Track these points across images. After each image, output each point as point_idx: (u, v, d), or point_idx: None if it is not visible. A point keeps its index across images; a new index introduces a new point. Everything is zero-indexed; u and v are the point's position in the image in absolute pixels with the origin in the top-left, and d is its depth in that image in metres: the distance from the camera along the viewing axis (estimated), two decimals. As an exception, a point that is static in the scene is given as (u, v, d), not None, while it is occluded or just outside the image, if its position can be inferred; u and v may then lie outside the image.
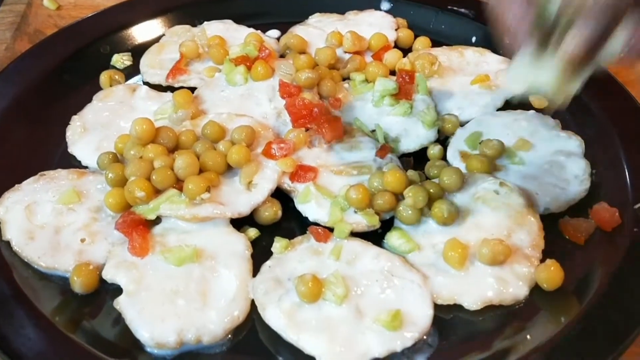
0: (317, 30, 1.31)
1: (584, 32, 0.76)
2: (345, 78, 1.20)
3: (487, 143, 1.04)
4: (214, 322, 0.83)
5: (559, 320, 0.86)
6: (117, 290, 0.87)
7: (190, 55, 1.22)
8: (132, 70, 1.25)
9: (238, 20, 1.34)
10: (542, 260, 0.91)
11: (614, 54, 0.79)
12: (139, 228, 0.91)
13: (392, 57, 1.23)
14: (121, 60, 1.27)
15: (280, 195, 1.00)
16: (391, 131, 1.09)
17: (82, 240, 0.93)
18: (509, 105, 1.15)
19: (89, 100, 1.16)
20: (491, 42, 1.30)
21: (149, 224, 0.94)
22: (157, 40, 1.31)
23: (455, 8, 1.37)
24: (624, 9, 0.76)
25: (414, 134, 1.09)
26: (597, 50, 0.78)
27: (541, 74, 0.83)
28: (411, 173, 1.00)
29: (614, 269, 0.91)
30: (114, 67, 1.26)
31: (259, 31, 1.29)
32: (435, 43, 1.32)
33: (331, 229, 0.95)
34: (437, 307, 0.87)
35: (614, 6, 0.75)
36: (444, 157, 1.08)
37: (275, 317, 0.84)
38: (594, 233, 0.97)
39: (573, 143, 1.08)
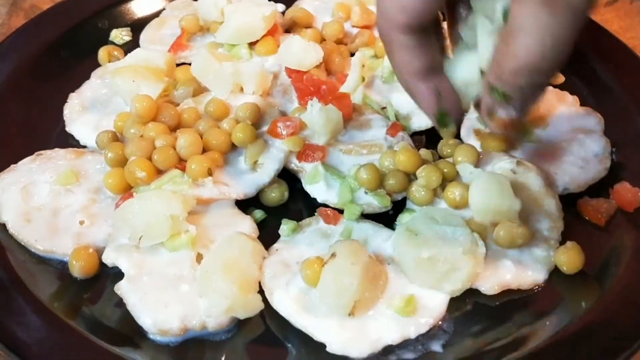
0: (324, 4, 1.26)
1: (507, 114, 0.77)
2: (353, 53, 1.15)
3: None
4: (220, 307, 0.80)
5: (579, 305, 0.83)
6: (118, 274, 0.84)
7: (191, 30, 1.18)
8: (131, 46, 1.20)
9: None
10: (562, 243, 0.88)
11: None
12: (140, 210, 0.88)
13: (402, 31, 1.18)
14: (120, 35, 1.23)
15: (287, 175, 0.97)
16: (402, 108, 1.05)
17: (81, 223, 0.89)
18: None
19: (87, 77, 1.12)
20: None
21: (150, 206, 0.90)
22: (157, 14, 1.27)
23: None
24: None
25: (426, 112, 1.05)
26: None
27: None
28: (424, 152, 0.96)
29: (637, 251, 0.88)
30: (112, 43, 1.22)
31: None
32: (447, 16, 1.27)
33: (341, 211, 0.91)
34: (453, 292, 0.83)
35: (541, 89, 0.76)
36: (457, 136, 1.03)
37: (283, 303, 0.81)
38: (615, 214, 0.93)
39: (592, 120, 1.04)
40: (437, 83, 0.83)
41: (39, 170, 0.95)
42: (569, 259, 0.86)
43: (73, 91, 1.09)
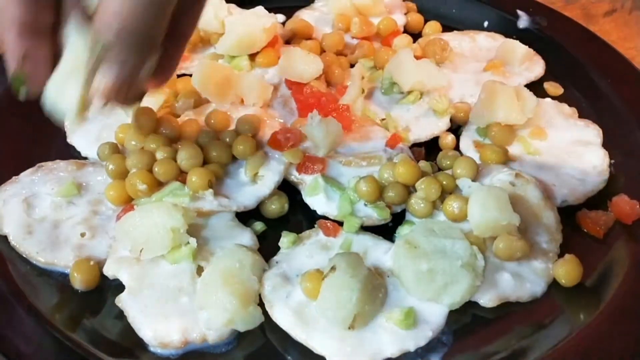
0: (324, 15, 1.27)
1: (113, 73, 0.72)
2: (353, 64, 1.16)
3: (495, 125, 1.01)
4: (220, 320, 0.80)
5: (578, 318, 0.84)
6: (118, 286, 0.84)
7: (192, 42, 1.18)
8: (132, 57, 1.21)
9: (242, 4, 1.29)
10: (560, 255, 0.88)
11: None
12: (141, 222, 0.88)
13: (402, 42, 1.19)
14: (121, 46, 1.23)
15: (287, 187, 0.97)
16: (401, 120, 1.06)
17: (82, 235, 0.89)
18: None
19: (89, 87, 1.12)
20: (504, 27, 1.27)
21: (151, 218, 0.90)
22: (158, 25, 1.26)
23: (466, -9, 1.33)
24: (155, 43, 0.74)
25: (426, 123, 1.05)
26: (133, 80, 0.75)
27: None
28: (423, 164, 0.96)
29: (635, 263, 0.88)
30: (114, 54, 1.22)
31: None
32: (446, 28, 1.28)
33: (341, 223, 0.91)
34: (452, 305, 0.84)
35: (142, 44, 0.72)
36: (456, 147, 1.04)
37: (283, 315, 0.81)
38: (613, 226, 0.94)
39: (591, 132, 1.05)
40: (33, 48, 0.74)
41: (41, 182, 0.95)
42: (568, 271, 0.86)
43: (74, 102, 1.09)
